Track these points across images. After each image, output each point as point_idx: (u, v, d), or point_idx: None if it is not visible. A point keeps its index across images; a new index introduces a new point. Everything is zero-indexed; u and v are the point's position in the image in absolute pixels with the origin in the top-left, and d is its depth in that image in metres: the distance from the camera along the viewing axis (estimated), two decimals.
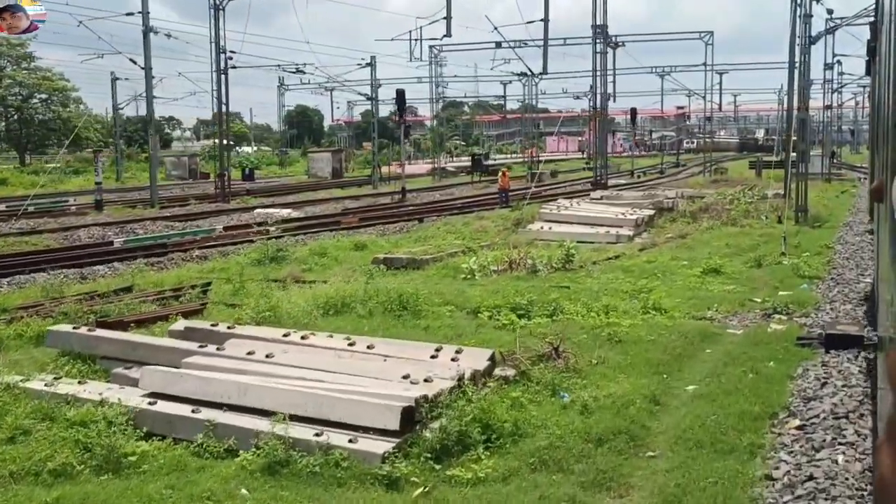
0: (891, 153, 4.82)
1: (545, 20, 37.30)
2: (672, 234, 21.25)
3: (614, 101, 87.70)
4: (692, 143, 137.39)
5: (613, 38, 53.03)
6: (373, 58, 50.43)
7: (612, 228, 21.10)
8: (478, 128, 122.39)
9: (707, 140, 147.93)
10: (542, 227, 21.42)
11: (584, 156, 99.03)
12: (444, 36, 37.23)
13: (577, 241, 20.18)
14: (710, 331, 10.76)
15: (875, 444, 5.00)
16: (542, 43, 34.18)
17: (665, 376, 8.72)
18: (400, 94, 36.53)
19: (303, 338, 8.60)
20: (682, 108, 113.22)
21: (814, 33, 23.01)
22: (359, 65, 50.37)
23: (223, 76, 36.92)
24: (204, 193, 39.36)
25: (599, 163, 35.17)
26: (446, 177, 60.10)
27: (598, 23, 34.02)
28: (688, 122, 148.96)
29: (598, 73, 32.43)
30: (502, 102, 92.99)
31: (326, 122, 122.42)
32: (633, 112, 59.66)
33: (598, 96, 32.67)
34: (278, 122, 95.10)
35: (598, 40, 33.25)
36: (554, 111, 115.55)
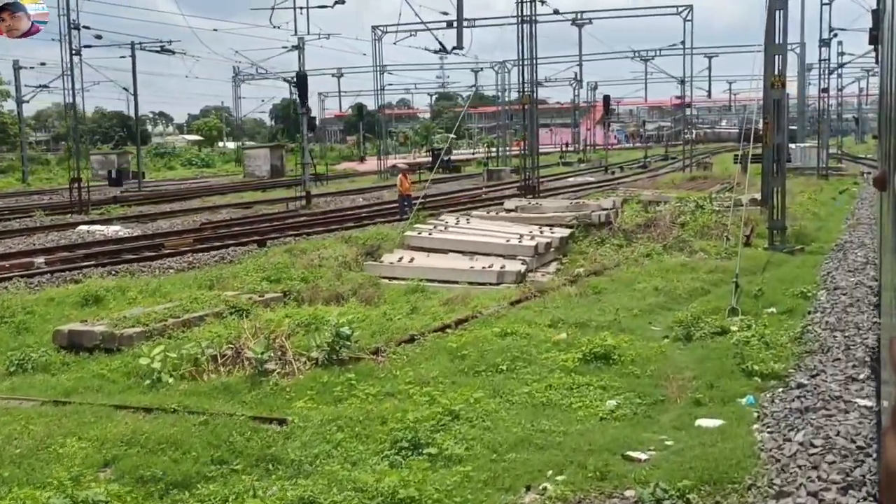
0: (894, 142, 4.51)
1: None
2: (585, 269, 14.73)
3: (594, 89, 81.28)
4: (690, 133, 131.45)
5: (578, 15, 46.50)
6: (300, 40, 43.79)
7: (499, 261, 14.60)
8: (472, 120, 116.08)
9: (707, 131, 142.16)
10: (399, 260, 14.94)
11: (573, 149, 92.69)
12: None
13: (443, 282, 13.74)
14: None
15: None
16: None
17: None
18: (301, 80, 30.06)
19: None
20: (680, 97, 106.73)
21: None
22: (284, 47, 43.81)
23: (76, 57, 30.25)
24: (61, 203, 32.55)
25: (529, 162, 28.42)
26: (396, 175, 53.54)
27: None
28: (688, 112, 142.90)
29: (525, 60, 25.71)
30: (479, 92, 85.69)
31: (319, 117, 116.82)
32: (606, 100, 53.04)
33: (524, 79, 25.93)
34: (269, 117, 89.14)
35: (522, 11, 26.43)
36: (553, 103, 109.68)
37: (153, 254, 18.29)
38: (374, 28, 48.61)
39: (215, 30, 34.93)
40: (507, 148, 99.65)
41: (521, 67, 26.03)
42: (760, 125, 17.97)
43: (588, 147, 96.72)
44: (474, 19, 37.28)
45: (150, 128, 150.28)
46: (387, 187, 42.67)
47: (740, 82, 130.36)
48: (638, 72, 77.03)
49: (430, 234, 15.82)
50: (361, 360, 8.61)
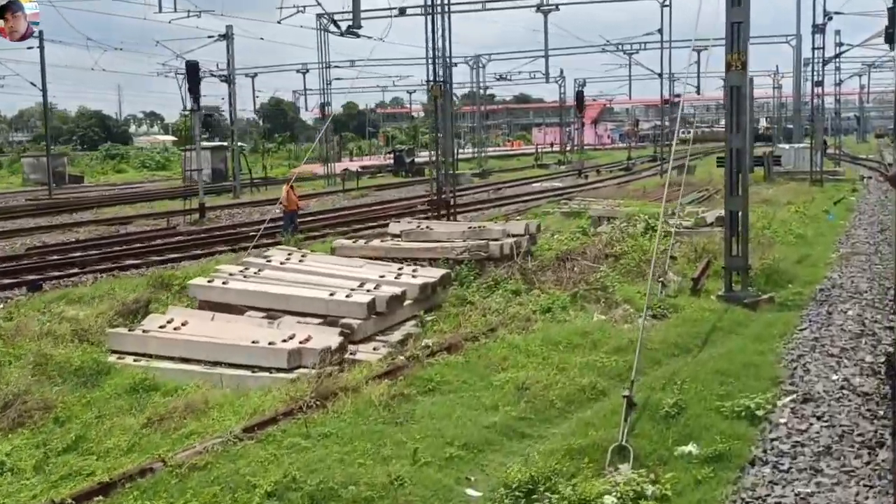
0: None
1: None
2: (435, 342, 9.76)
3: (582, 86, 76.15)
4: (688, 133, 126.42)
5: (544, 1, 41.47)
6: (228, 28, 38.80)
7: (308, 329, 9.70)
8: (464, 120, 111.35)
9: (704, 130, 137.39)
10: (164, 325, 9.98)
11: (558, 149, 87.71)
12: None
13: (212, 365, 8.92)
14: None
15: None
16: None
17: None
18: (191, 68, 25.13)
19: None
20: (678, 95, 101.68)
21: None
22: (210, 37, 38.78)
23: None
24: None
25: (442, 170, 23.17)
26: (350, 178, 48.60)
27: None
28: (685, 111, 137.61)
29: (433, 50, 20.44)
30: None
31: (307, 115, 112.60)
32: (580, 97, 48.13)
33: (433, 65, 20.69)
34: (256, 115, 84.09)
35: None
36: (550, 101, 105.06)
37: None
38: (318, 17, 43.46)
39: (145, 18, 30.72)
40: (489, 149, 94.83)
41: (427, 53, 20.97)
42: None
43: (576, 147, 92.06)
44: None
45: (135, 128, 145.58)
46: (328, 194, 37.79)
47: None
48: (610, 65, 71.32)
49: (224, 284, 10.86)
50: None
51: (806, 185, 33.18)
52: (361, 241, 14.52)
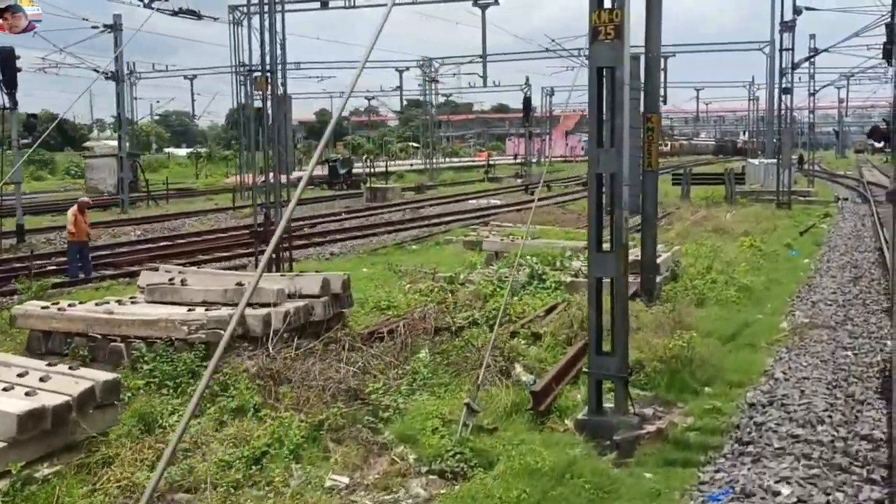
0: None
1: None
2: None
3: (550, 95, 71.50)
4: (665, 146, 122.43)
5: None
6: (116, 17, 33.63)
7: None
8: (447, 129, 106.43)
9: (683, 143, 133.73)
10: None
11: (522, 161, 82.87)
12: None
13: None
14: None
15: None
16: None
17: None
18: (6, 55, 19.95)
19: None
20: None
21: None
22: (94, 27, 33.59)
23: None
24: None
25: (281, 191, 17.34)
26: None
27: None
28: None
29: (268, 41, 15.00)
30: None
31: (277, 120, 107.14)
32: (527, 103, 43.43)
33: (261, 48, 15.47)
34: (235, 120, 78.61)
35: None
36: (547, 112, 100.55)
37: None
38: (231, 8, 38.35)
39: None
40: (454, 160, 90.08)
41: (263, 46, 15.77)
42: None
43: (544, 160, 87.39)
44: None
45: (97, 132, 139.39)
46: (225, 210, 32.63)
47: (711, 89, 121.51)
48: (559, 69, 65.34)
49: None
50: None
51: (772, 209, 28.47)
52: (62, 305, 9.44)
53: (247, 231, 18.36)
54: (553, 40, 39.11)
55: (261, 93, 14.20)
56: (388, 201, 36.89)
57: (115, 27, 33.78)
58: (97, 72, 34.19)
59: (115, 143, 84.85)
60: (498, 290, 12.45)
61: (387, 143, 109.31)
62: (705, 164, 73.00)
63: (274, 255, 14.56)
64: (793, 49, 28.43)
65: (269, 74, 13.85)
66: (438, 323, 9.89)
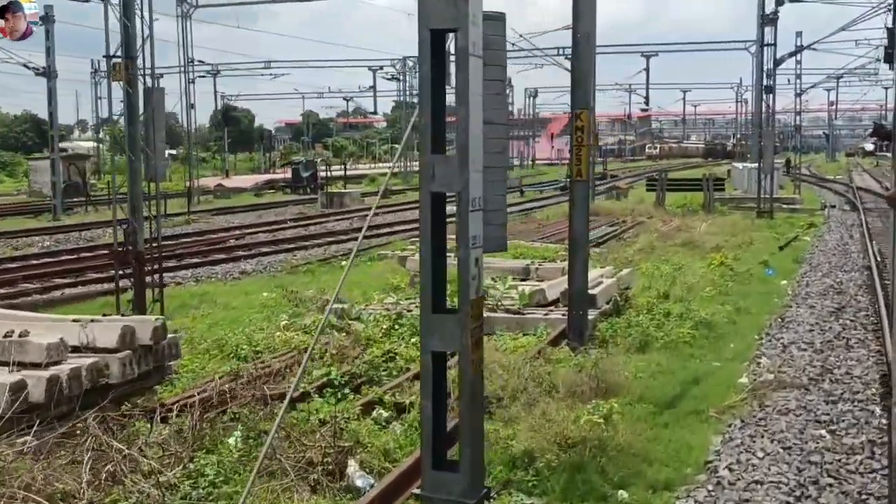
0: None
1: None
2: None
3: (533, 97, 68.96)
4: (655, 148, 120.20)
5: None
6: (48, 9, 31.10)
7: None
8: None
9: (672, 145, 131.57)
10: None
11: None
12: None
13: None
14: None
15: None
16: None
17: None
18: None
19: None
20: (645, 110, 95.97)
21: None
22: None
23: None
24: None
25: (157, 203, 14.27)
26: (223, 196, 40.95)
27: None
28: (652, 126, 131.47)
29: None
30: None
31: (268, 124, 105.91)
32: None
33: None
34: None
35: None
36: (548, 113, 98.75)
37: None
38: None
39: None
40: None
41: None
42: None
43: (529, 163, 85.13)
44: None
45: (78, 133, 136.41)
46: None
47: (698, 92, 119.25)
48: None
49: None
50: None
51: (752, 218, 26.09)
52: None
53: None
54: (521, 35, 36.54)
55: (121, 84, 11.67)
56: (344, 207, 34.53)
57: (46, 18, 31.24)
58: (27, 67, 31.58)
59: (90, 144, 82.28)
60: (395, 328, 10.03)
61: (369, 144, 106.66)
62: (693, 168, 70.83)
63: (142, 280, 12.04)
64: (775, 44, 26.05)
65: (128, 61, 11.38)
66: (283, 386, 7.45)
